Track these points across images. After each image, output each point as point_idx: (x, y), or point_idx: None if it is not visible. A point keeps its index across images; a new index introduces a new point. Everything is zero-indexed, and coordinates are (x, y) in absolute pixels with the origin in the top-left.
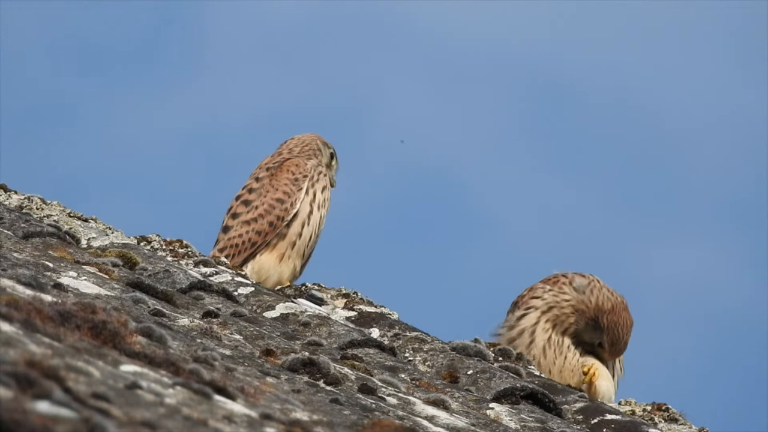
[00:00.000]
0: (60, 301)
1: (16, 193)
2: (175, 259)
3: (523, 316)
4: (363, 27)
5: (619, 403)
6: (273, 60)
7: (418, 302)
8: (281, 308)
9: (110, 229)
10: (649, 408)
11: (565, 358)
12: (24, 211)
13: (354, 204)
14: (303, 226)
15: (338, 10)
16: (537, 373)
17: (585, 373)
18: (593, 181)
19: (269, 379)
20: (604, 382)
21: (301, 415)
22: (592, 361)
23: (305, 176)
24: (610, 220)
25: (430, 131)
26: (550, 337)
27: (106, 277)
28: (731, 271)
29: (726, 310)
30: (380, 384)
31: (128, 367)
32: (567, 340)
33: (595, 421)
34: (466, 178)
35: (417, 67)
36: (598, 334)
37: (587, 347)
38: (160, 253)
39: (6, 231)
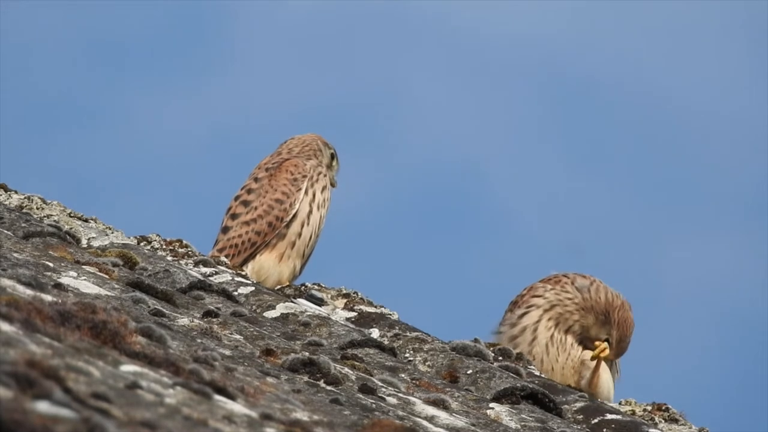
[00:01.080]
0: (60, 301)
1: (16, 192)
2: (175, 259)
3: (525, 314)
4: (387, 24)
5: (620, 403)
6: (297, 58)
7: (435, 298)
8: (281, 308)
9: (110, 229)
10: (649, 408)
11: (568, 355)
12: (24, 211)
13: (377, 199)
14: (303, 227)
15: (363, 8)
16: (537, 373)
17: (596, 349)
18: (614, 176)
19: (269, 379)
20: (607, 375)
21: (301, 415)
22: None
23: (304, 176)
24: (631, 215)
25: (453, 127)
26: (552, 335)
27: (106, 277)
28: (744, 268)
29: (734, 309)
30: (380, 384)
31: (128, 367)
32: (569, 338)
33: (596, 421)
34: (488, 173)
35: (440, 63)
36: (607, 329)
37: (590, 346)
38: (160, 253)
39: (6, 231)
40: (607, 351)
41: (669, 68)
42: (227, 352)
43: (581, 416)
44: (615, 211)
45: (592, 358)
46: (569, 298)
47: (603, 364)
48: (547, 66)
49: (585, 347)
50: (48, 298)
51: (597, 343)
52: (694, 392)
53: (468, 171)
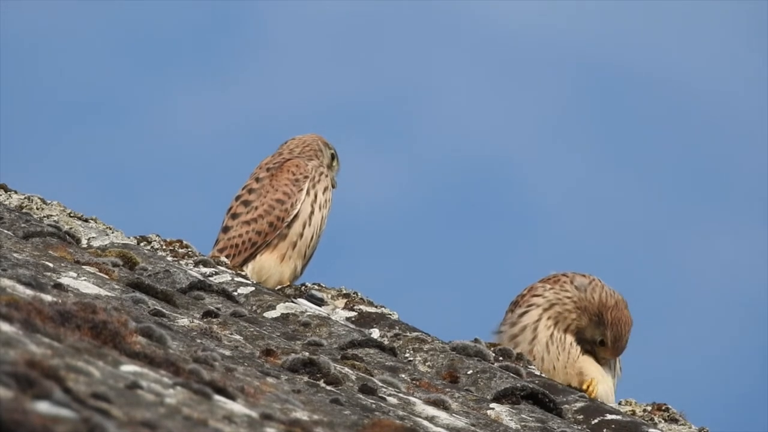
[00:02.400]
0: (60, 301)
1: (16, 193)
2: (175, 259)
3: (525, 313)
4: (415, 18)
5: (620, 403)
6: (324, 54)
7: (465, 292)
8: (281, 308)
9: (110, 229)
10: (649, 408)
11: (569, 354)
12: (24, 211)
13: (405, 195)
14: (304, 227)
15: (390, 3)
16: (537, 373)
17: (584, 390)
18: (642, 168)
19: (269, 379)
20: (601, 387)
21: (302, 415)
22: (590, 374)
23: (306, 177)
24: (662, 209)
25: (481, 122)
26: (552, 334)
27: (106, 277)
28: (746, 265)
29: (738, 308)
30: (380, 384)
31: (128, 367)
32: (569, 338)
33: (596, 421)
34: (517, 167)
35: (468, 58)
36: (601, 330)
37: (587, 346)
38: (160, 253)
39: (6, 231)
40: (595, 392)
41: (703, 60)
42: (227, 353)
43: (581, 416)
44: (643, 203)
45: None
46: (568, 297)
47: (598, 380)
48: (574, 59)
49: (585, 348)
50: (48, 298)
51: (585, 384)
52: (694, 392)
53: (497, 165)
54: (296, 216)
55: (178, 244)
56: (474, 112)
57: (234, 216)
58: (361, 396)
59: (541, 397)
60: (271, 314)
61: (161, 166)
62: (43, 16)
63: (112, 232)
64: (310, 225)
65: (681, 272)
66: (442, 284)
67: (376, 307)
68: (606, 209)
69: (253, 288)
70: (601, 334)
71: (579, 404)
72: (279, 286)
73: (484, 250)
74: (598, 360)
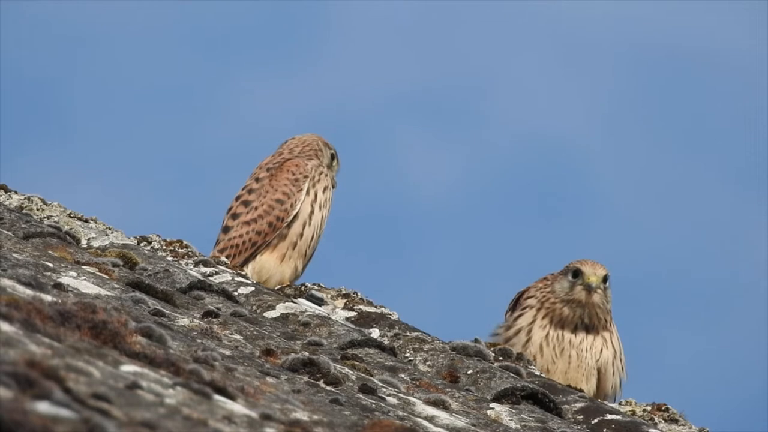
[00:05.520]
0: (60, 301)
1: (16, 193)
2: (175, 259)
3: (520, 316)
4: (479, 7)
5: (620, 404)
6: (392, 41)
7: (522, 280)
8: (281, 308)
9: (110, 229)
10: (649, 408)
11: (569, 357)
12: (24, 211)
13: (471, 180)
14: (304, 227)
15: None
16: (537, 373)
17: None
18: (710, 155)
19: (269, 379)
20: (608, 383)
21: (301, 415)
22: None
23: (306, 177)
24: (728, 201)
25: (545, 108)
26: (548, 334)
27: (106, 277)
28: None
29: (745, 305)
30: (380, 384)
31: (128, 367)
32: (567, 335)
33: (596, 421)
34: (581, 153)
35: (533, 43)
36: (573, 279)
37: (580, 311)
38: (160, 253)
39: (6, 231)
40: None
41: (764, 44)
42: (227, 352)
43: (581, 416)
44: (707, 190)
45: None
46: (551, 292)
47: (606, 374)
48: (642, 44)
49: (589, 332)
50: (48, 298)
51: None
52: (694, 392)
53: (561, 152)
54: (296, 216)
55: (178, 244)
56: (538, 98)
57: (234, 216)
58: (361, 396)
59: (541, 397)
60: (271, 314)
61: (229, 156)
62: (113, 9)
63: (112, 233)
64: (310, 225)
65: (738, 260)
66: (505, 271)
67: (375, 307)
68: (669, 195)
69: (253, 288)
70: (577, 282)
71: (579, 404)
72: (279, 286)
73: (548, 237)
74: (593, 324)
